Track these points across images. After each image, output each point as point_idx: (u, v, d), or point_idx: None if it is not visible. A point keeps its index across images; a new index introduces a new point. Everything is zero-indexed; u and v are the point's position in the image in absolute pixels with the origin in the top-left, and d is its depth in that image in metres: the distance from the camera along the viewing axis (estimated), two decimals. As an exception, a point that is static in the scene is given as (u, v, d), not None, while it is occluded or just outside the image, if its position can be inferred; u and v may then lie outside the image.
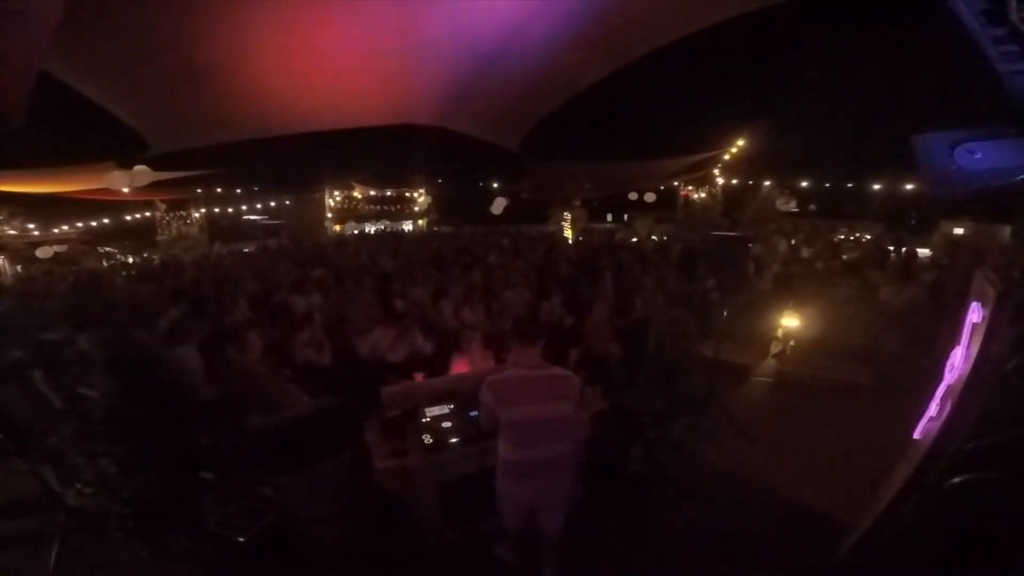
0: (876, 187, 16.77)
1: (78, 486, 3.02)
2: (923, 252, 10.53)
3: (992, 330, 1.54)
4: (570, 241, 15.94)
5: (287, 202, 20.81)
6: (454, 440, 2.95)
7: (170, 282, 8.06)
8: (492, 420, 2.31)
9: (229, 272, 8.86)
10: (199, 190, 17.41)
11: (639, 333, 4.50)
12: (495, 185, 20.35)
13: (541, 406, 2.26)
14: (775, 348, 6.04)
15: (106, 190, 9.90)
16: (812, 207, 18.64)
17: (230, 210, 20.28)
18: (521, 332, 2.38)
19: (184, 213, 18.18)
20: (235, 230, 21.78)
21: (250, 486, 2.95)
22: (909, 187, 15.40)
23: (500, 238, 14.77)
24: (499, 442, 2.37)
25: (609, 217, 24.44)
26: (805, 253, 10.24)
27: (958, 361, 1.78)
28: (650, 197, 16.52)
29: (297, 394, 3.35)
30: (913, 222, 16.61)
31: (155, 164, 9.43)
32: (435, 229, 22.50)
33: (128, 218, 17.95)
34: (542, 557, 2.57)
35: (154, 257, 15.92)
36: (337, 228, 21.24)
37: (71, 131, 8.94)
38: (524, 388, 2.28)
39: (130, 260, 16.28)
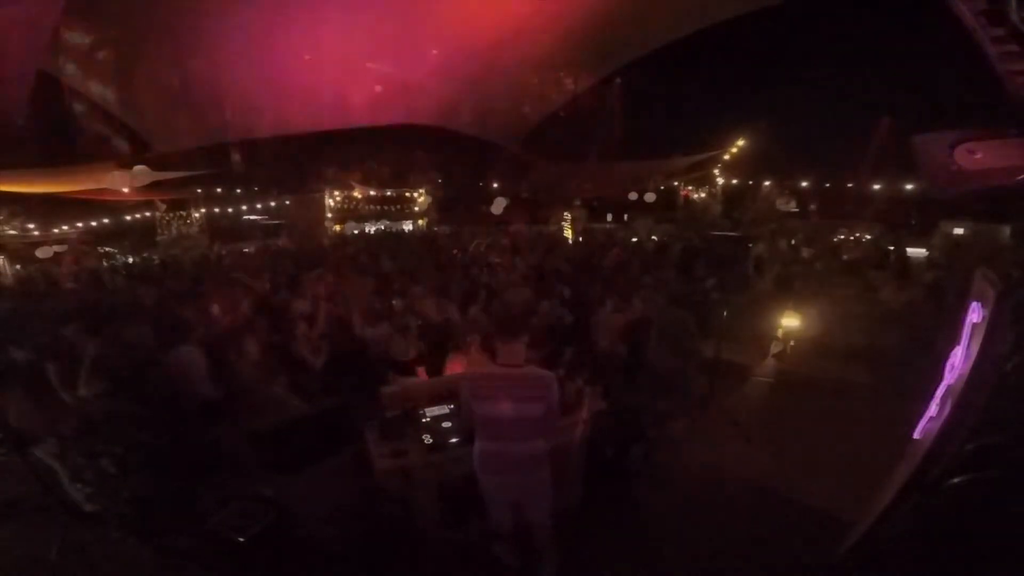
0: (876, 187, 16.79)
1: (78, 486, 3.02)
2: (923, 252, 10.52)
3: (992, 330, 1.54)
4: (570, 241, 15.94)
5: (287, 202, 20.81)
6: (454, 440, 2.95)
7: (170, 282, 8.06)
8: (469, 414, 2.41)
9: (229, 272, 8.85)
10: (199, 190, 17.43)
11: (639, 333, 4.51)
12: (495, 185, 20.35)
13: (508, 403, 2.32)
14: (775, 348, 6.04)
15: (106, 190, 9.91)
16: (812, 207, 18.65)
17: (230, 210, 20.29)
18: (504, 329, 2.42)
19: (184, 213, 18.18)
20: (235, 230, 21.79)
21: (250, 486, 2.95)
22: (909, 187, 15.41)
23: (500, 238, 14.76)
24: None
25: (609, 217, 24.45)
26: (805, 253, 10.24)
27: (958, 361, 1.78)
28: (650, 197, 16.51)
29: (285, 399, 3.36)
30: (913, 222, 16.61)
31: (155, 164, 9.44)
32: (435, 229, 22.49)
33: (128, 218, 17.96)
34: (540, 557, 2.57)
35: (154, 257, 15.92)
36: (337, 228, 21.24)
37: (71, 131, 8.96)
38: (494, 384, 2.36)
39: (130, 260, 16.28)
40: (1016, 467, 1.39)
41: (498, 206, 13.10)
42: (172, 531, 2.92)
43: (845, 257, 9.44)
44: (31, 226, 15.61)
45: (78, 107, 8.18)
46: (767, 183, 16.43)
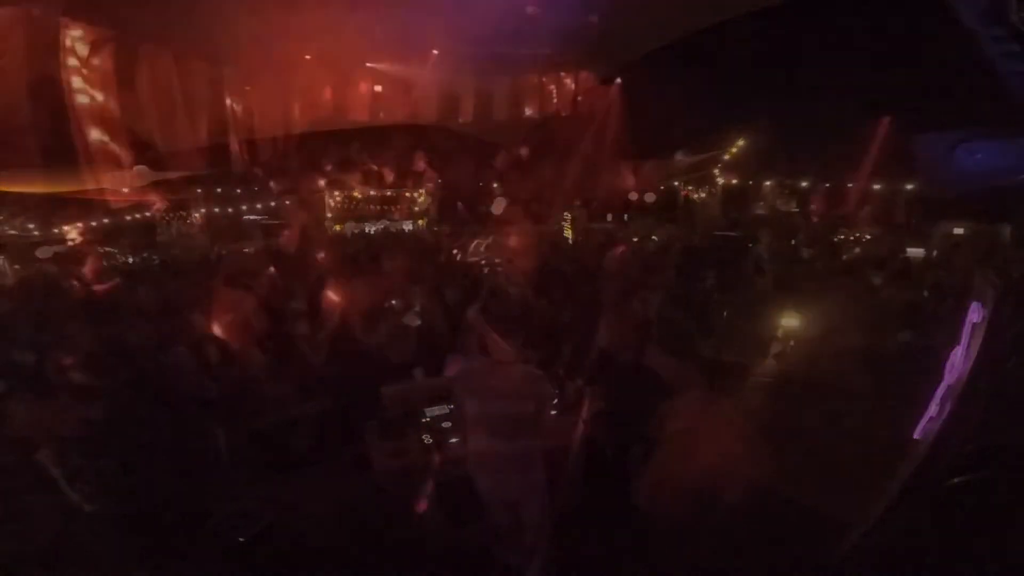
0: (876, 187, 16.76)
1: (78, 486, 3.02)
2: (923, 252, 10.50)
3: (992, 330, 1.54)
4: (570, 241, 15.92)
5: (287, 202, 20.79)
6: (454, 440, 2.95)
7: (171, 283, 8.05)
8: (462, 409, 2.44)
9: (230, 272, 8.83)
10: (199, 190, 17.42)
11: (639, 333, 4.51)
12: (495, 185, 20.32)
13: (499, 400, 2.31)
14: (775, 348, 6.03)
15: (106, 190, 9.93)
16: (812, 207, 18.63)
17: (230, 210, 20.25)
18: (499, 329, 2.42)
19: (184, 213, 18.14)
20: (235, 230, 21.73)
21: (250, 486, 2.95)
22: (909, 187, 15.39)
23: (500, 238, 14.72)
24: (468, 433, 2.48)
25: (609, 217, 24.39)
26: (805, 253, 10.22)
27: (958, 361, 1.78)
28: (650, 197, 16.52)
29: (285, 399, 3.36)
30: (913, 222, 16.58)
31: (155, 164, 9.46)
32: (435, 229, 22.45)
33: (128, 218, 17.91)
34: (539, 557, 2.57)
35: (154, 257, 15.87)
36: (337, 228, 21.20)
37: (71, 131, 8.95)
38: (486, 379, 2.37)
39: (130, 260, 16.23)
40: (1016, 467, 1.39)
41: (498, 206, 13.09)
42: (172, 531, 2.92)
43: (845, 257, 9.43)
44: (31, 226, 15.58)
45: (79, 107, 8.18)
46: (767, 183, 16.43)
